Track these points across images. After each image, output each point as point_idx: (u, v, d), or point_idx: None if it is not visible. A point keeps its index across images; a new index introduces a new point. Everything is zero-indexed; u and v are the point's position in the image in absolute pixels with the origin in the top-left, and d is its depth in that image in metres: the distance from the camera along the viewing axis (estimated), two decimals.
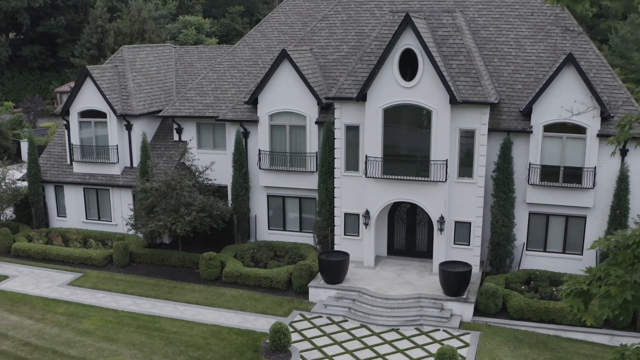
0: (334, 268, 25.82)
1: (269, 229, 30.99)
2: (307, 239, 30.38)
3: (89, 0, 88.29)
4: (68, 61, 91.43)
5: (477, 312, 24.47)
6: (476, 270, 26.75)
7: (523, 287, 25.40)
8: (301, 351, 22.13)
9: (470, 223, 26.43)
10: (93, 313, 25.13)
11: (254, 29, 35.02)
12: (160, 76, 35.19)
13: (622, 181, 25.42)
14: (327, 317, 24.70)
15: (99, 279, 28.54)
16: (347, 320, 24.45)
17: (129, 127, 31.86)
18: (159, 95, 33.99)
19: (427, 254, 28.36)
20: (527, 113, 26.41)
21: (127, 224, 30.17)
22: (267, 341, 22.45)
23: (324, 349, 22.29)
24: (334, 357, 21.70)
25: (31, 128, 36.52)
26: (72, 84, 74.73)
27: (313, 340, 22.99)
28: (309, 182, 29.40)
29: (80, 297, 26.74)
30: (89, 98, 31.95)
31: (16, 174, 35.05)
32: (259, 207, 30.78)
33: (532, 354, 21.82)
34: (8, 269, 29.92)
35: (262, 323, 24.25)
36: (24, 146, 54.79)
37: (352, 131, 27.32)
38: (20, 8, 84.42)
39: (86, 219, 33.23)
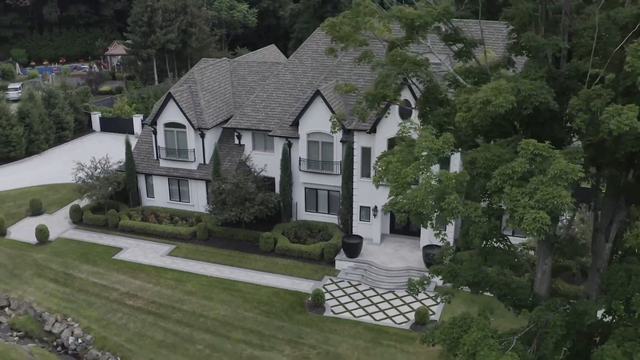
0: (352, 248, 38.01)
1: (305, 211, 42.97)
2: (332, 219, 42.30)
3: None
4: (110, 18, 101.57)
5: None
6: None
7: None
8: (331, 306, 34.60)
9: None
10: (191, 278, 37.63)
11: (292, 56, 45.81)
12: (221, 90, 46.33)
13: None
14: (348, 282, 37.09)
15: (188, 250, 40.94)
16: (360, 284, 36.82)
17: (202, 136, 43.40)
18: (222, 108, 45.27)
19: (417, 233, 40.22)
20: None
21: (206, 210, 42.24)
22: (310, 299, 34.87)
23: (346, 305, 34.76)
24: (352, 311, 34.19)
25: (127, 137, 47.08)
26: (120, 46, 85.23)
27: (339, 298, 35.43)
28: (335, 181, 41.06)
29: (178, 265, 39.19)
30: (171, 114, 43.31)
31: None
32: (298, 196, 42.66)
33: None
34: (120, 242, 42.31)
35: (304, 286, 36.64)
36: (95, 118, 66.37)
37: (366, 150, 38.76)
38: None
39: (170, 199, 45.36)
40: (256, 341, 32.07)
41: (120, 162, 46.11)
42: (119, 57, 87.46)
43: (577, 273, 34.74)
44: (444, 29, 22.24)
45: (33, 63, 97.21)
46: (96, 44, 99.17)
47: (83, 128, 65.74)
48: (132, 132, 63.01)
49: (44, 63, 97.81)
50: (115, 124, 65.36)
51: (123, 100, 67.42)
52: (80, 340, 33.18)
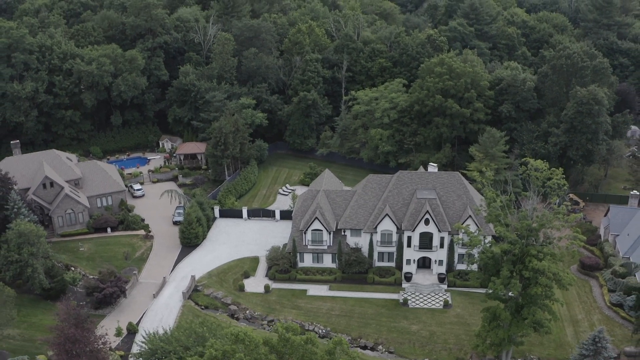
0: (408, 277, 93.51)
1: (377, 261, 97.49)
2: (391, 264, 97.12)
3: (170, 80, 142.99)
4: (152, 118, 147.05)
5: (449, 286, 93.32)
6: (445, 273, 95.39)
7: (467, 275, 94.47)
8: (410, 303, 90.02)
9: (443, 260, 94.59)
10: (347, 299, 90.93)
11: (361, 189, 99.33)
12: (328, 208, 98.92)
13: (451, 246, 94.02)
14: (410, 292, 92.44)
15: (336, 287, 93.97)
16: (415, 292, 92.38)
17: (329, 233, 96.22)
18: (333, 218, 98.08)
19: (429, 266, 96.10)
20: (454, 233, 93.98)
21: (336, 266, 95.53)
22: (401, 301, 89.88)
23: (414, 301, 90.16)
24: (419, 303, 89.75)
25: (294, 239, 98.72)
26: (185, 146, 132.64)
27: (409, 299, 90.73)
28: (392, 249, 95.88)
29: (337, 294, 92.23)
30: (316, 225, 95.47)
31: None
32: (376, 256, 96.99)
33: (473, 301, 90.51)
34: (302, 286, 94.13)
35: (394, 296, 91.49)
36: (216, 210, 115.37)
37: (409, 237, 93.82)
38: (130, 96, 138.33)
39: (312, 262, 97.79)
40: (390, 319, 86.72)
41: (286, 245, 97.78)
42: (186, 154, 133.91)
43: None
44: None
45: (109, 157, 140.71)
46: (149, 138, 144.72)
47: (212, 217, 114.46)
48: (240, 217, 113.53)
49: (116, 156, 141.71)
50: (229, 212, 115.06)
51: (230, 199, 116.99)
52: (324, 330, 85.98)
